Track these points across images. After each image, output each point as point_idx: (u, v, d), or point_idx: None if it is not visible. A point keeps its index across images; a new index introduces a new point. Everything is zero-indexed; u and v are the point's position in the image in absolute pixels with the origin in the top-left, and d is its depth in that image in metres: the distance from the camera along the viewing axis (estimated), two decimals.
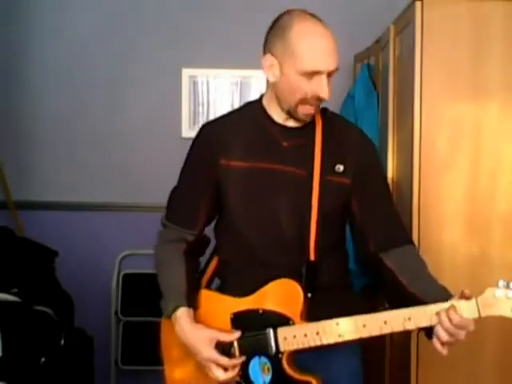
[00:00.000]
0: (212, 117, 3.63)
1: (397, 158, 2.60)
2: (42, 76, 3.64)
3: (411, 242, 1.86)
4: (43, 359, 2.69)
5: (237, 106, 3.62)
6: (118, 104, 3.66)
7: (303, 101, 1.73)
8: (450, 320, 1.57)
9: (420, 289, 1.70)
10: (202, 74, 3.66)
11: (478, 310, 1.57)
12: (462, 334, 1.59)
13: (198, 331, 1.76)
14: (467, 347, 2.23)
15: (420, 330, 1.68)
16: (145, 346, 3.54)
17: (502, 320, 2.20)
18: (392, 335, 2.58)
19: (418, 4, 2.20)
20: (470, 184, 2.23)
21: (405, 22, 2.39)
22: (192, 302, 1.82)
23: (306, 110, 1.76)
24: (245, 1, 3.64)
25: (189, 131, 3.59)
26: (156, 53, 3.63)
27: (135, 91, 3.65)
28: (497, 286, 1.56)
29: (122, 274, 3.64)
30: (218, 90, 3.67)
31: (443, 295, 1.65)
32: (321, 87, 1.71)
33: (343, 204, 1.82)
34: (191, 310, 1.80)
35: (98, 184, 3.66)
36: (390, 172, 2.65)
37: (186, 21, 3.63)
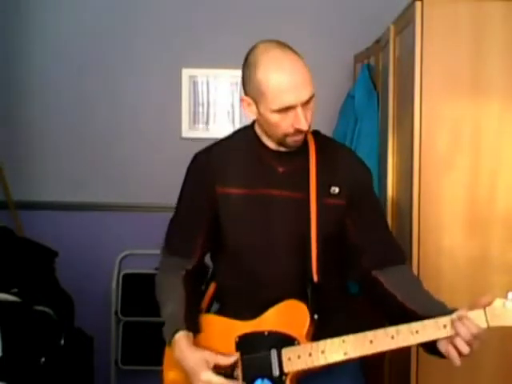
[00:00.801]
0: (212, 117, 3.65)
1: (397, 158, 2.60)
2: (42, 76, 3.64)
3: (405, 262, 1.86)
4: (43, 359, 2.68)
5: (237, 106, 3.63)
6: (118, 104, 3.66)
7: (287, 135, 1.74)
8: (468, 330, 1.56)
9: (419, 305, 1.69)
10: (201, 74, 3.66)
11: (487, 320, 1.56)
12: (476, 344, 1.58)
13: (196, 353, 1.73)
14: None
15: (420, 345, 1.68)
16: (145, 346, 3.55)
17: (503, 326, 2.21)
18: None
19: (417, 4, 2.20)
20: (470, 184, 2.22)
21: (405, 22, 2.39)
22: (191, 326, 1.78)
23: (293, 140, 1.76)
24: (245, 1, 3.64)
25: (189, 131, 3.59)
26: (156, 53, 3.63)
27: (135, 91, 3.65)
28: (505, 296, 1.55)
29: (121, 274, 3.64)
30: (217, 90, 3.67)
31: (444, 309, 1.65)
32: (298, 121, 1.70)
33: (340, 224, 1.82)
34: (190, 334, 1.77)
35: (98, 184, 3.66)
36: (390, 172, 2.65)
37: (186, 21, 3.63)
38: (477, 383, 2.24)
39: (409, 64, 2.30)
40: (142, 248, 3.57)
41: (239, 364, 1.73)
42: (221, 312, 1.89)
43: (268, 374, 1.69)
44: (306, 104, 1.70)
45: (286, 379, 1.69)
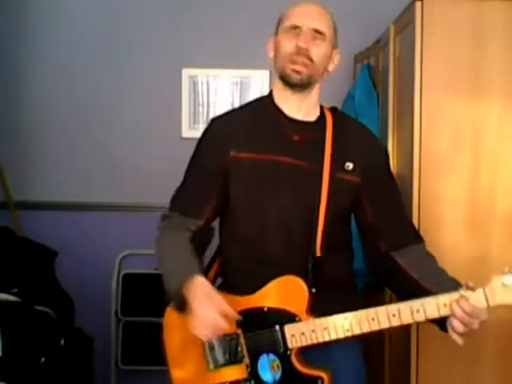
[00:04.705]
0: (212, 117, 3.64)
1: (397, 158, 2.60)
2: (41, 76, 3.64)
3: (421, 241, 1.90)
4: (43, 359, 2.69)
5: (237, 106, 3.62)
6: (118, 104, 3.65)
7: (290, 55, 1.80)
8: (463, 310, 1.61)
9: (433, 283, 1.74)
10: (202, 74, 3.66)
11: (487, 300, 1.60)
12: (475, 323, 1.63)
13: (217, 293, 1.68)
14: (466, 346, 2.23)
15: (432, 322, 1.71)
16: (145, 346, 3.55)
17: (502, 318, 2.21)
18: (391, 334, 2.58)
19: (417, 4, 2.20)
20: (470, 184, 2.22)
21: (405, 22, 2.39)
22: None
23: (293, 66, 1.81)
24: (245, 1, 3.64)
25: (189, 131, 3.59)
26: (156, 53, 3.63)
27: (135, 91, 3.65)
28: (503, 274, 1.58)
29: (121, 274, 3.64)
30: (218, 90, 3.67)
31: (452, 286, 1.70)
32: (299, 37, 1.79)
33: (351, 202, 1.84)
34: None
35: (98, 184, 3.66)
36: None
37: (186, 21, 3.63)
38: (476, 378, 2.24)
39: (409, 64, 2.30)
40: (142, 248, 3.57)
41: (244, 340, 1.75)
42: (222, 286, 1.87)
43: (273, 350, 1.73)
44: (314, 36, 1.81)
45: (291, 354, 1.73)
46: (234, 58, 3.60)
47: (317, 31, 1.81)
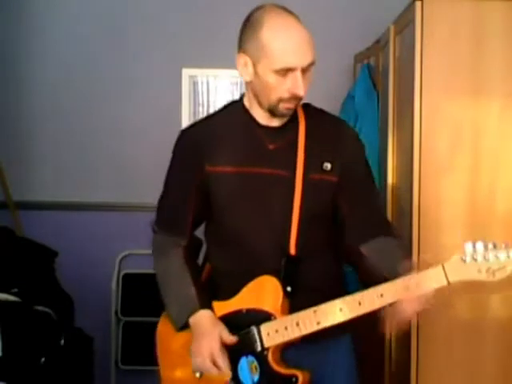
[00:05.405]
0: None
1: (397, 158, 2.60)
2: (42, 75, 3.64)
3: (392, 234, 1.84)
4: (43, 359, 2.69)
5: None
6: (118, 104, 3.65)
7: (281, 99, 1.71)
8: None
9: (392, 272, 1.67)
10: (202, 74, 3.66)
11: (446, 277, 1.57)
12: (416, 306, 1.62)
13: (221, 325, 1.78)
14: (467, 347, 2.24)
15: None
16: (145, 346, 3.52)
17: (503, 320, 2.21)
18: (391, 337, 2.58)
19: (417, 4, 2.20)
20: (470, 184, 2.22)
21: (405, 22, 2.39)
22: (206, 304, 1.81)
23: (285, 108, 1.73)
24: (245, 1, 3.64)
25: None
26: (156, 53, 3.64)
27: (135, 91, 3.65)
28: (463, 250, 1.55)
29: (121, 274, 3.65)
30: (218, 90, 3.67)
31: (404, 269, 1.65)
32: (295, 85, 1.67)
33: (331, 202, 1.81)
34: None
35: (98, 184, 3.66)
36: (390, 172, 2.65)
37: (186, 21, 3.64)
38: (476, 380, 2.24)
39: (409, 64, 2.30)
40: (142, 248, 3.56)
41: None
42: (213, 296, 1.87)
43: (251, 351, 1.75)
44: (305, 71, 1.68)
45: (267, 353, 1.73)
46: (233, 58, 3.58)
47: (309, 64, 1.69)
